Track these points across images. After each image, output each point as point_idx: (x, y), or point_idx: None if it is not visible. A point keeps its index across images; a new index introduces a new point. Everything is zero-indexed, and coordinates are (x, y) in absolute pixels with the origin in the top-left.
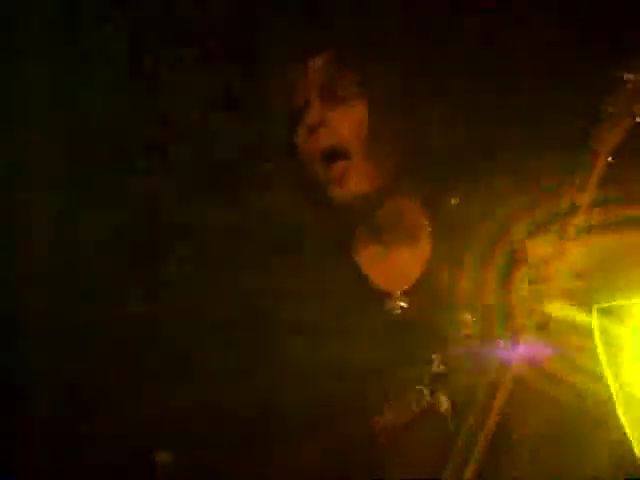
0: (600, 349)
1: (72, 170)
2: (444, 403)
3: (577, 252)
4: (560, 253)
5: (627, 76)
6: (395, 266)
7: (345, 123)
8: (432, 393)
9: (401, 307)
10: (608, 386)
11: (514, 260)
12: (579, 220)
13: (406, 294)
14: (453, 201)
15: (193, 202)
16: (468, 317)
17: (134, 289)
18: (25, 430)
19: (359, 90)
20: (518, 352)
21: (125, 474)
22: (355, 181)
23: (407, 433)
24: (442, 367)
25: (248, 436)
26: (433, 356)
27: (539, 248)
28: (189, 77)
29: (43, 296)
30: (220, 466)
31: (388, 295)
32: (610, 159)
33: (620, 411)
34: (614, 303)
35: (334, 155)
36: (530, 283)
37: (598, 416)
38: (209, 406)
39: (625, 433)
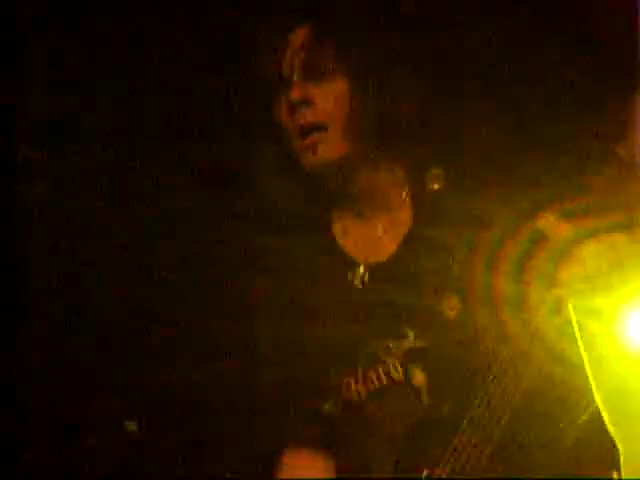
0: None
1: None
2: (418, 376)
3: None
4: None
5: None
6: (369, 238)
7: (327, 100)
8: (404, 366)
9: (363, 281)
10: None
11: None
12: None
13: (379, 268)
14: (436, 186)
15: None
16: (452, 299)
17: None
18: None
19: (339, 66)
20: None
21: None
22: (326, 148)
23: (374, 404)
24: (419, 342)
25: (222, 410)
26: (409, 331)
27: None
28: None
29: None
30: (193, 439)
31: (357, 267)
32: None
33: (602, 407)
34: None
35: (313, 129)
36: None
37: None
38: (181, 381)
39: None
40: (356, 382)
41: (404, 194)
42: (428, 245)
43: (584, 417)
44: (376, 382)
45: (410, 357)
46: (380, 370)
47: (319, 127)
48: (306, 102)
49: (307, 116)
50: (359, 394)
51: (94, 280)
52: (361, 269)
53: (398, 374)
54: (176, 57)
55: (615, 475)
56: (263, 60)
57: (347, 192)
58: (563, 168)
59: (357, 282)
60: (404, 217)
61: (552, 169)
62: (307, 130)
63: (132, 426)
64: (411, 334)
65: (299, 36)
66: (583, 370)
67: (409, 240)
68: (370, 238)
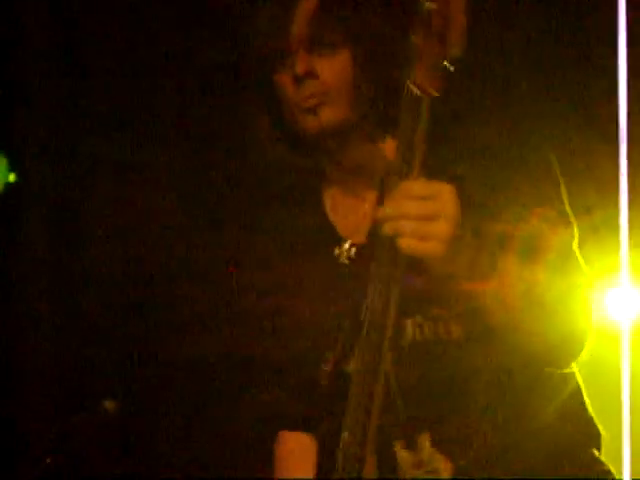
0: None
1: None
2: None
3: None
4: None
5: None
6: (358, 214)
7: (331, 72)
8: None
9: (349, 258)
10: None
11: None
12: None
13: (366, 246)
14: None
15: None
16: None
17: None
18: None
19: (342, 37)
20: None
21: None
22: (328, 111)
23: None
24: None
25: (210, 384)
26: None
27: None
28: None
29: None
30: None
31: (344, 242)
32: None
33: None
34: None
35: (315, 97)
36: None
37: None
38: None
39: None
40: (336, 356)
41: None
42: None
43: (564, 394)
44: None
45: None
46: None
47: (322, 96)
48: (311, 75)
49: (311, 88)
50: (336, 369)
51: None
52: (347, 245)
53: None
54: (175, 23)
55: (596, 453)
56: (266, 30)
57: (340, 163)
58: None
59: (343, 258)
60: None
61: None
62: (305, 106)
63: (110, 404)
64: None
65: (305, 7)
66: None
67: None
68: (359, 214)
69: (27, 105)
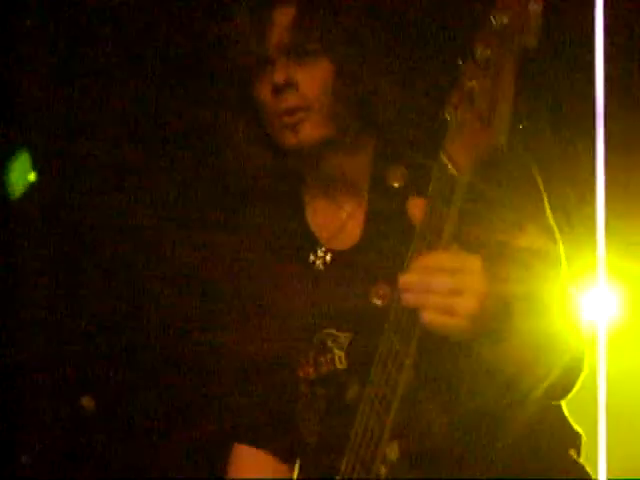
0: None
1: None
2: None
3: None
4: None
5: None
6: (335, 221)
7: (311, 83)
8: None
9: (324, 264)
10: None
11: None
12: None
13: (341, 253)
14: (396, 184)
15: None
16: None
17: None
18: None
19: (322, 48)
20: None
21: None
22: (308, 129)
23: (321, 388)
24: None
25: (179, 384)
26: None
27: None
28: None
29: None
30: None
31: (320, 248)
32: None
33: None
34: None
35: (296, 110)
36: None
37: None
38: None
39: None
40: (307, 363)
41: (365, 185)
42: (381, 239)
43: (539, 391)
44: (326, 367)
45: (352, 351)
46: (328, 357)
47: (302, 109)
48: (290, 85)
49: (290, 99)
50: (309, 375)
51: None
52: (322, 251)
53: (342, 365)
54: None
55: (574, 454)
56: (245, 36)
57: (318, 173)
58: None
59: (319, 264)
60: (364, 207)
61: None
62: (290, 112)
63: (87, 401)
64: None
65: (284, 15)
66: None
67: (365, 231)
68: (337, 221)
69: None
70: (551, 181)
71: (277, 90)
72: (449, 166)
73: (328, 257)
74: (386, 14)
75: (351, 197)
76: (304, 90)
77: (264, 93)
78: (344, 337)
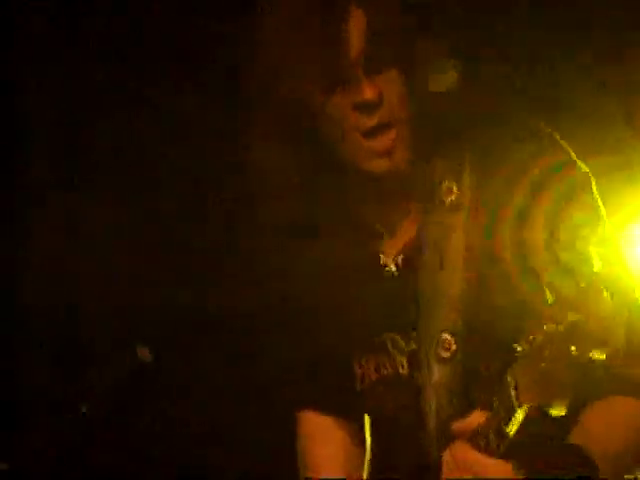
0: None
1: None
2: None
3: None
4: None
5: None
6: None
7: (392, 97)
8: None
9: (396, 265)
10: None
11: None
12: None
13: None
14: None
15: None
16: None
17: None
18: None
19: (394, 60)
20: None
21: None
22: (401, 154)
23: (381, 391)
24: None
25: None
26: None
27: None
28: None
29: None
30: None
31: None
32: None
33: None
34: None
35: (381, 128)
36: None
37: None
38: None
39: None
40: (368, 364)
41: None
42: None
43: None
44: (388, 369)
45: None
46: (391, 360)
47: (387, 126)
48: (380, 101)
49: (381, 115)
50: (369, 377)
51: None
52: (393, 254)
53: (404, 370)
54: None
55: None
56: (319, 54)
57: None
58: None
59: (391, 267)
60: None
61: None
62: (376, 130)
63: (144, 352)
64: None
65: (358, 23)
66: None
67: (407, 252)
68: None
69: None
70: None
71: (368, 107)
72: (514, 398)
73: (400, 258)
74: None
75: (402, 213)
76: (388, 103)
77: (342, 113)
78: (406, 344)
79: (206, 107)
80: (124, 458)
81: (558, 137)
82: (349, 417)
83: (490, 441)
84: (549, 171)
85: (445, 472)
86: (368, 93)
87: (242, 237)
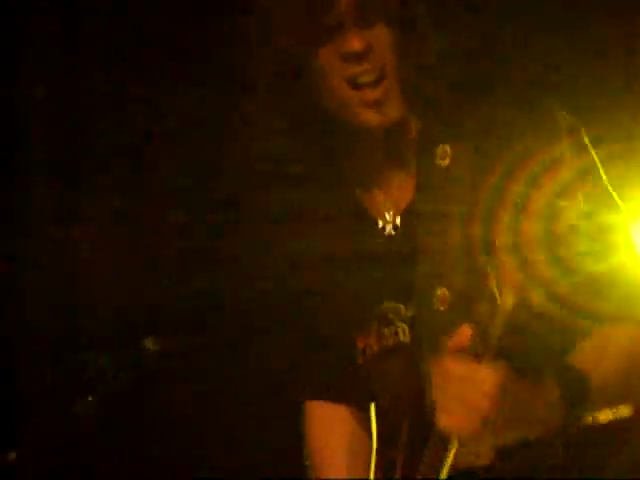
0: None
1: None
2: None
3: None
4: None
5: None
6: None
7: (382, 49)
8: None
9: (394, 227)
10: None
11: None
12: None
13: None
14: (442, 163)
15: None
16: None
17: None
18: None
19: (385, 13)
20: None
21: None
22: (392, 106)
23: (384, 361)
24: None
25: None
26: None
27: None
28: None
29: None
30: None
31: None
32: None
33: None
34: None
35: (374, 81)
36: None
37: None
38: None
39: None
40: (370, 336)
41: (413, 162)
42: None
43: None
44: (389, 338)
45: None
46: (392, 329)
47: (379, 79)
48: (368, 51)
49: (368, 65)
50: (372, 347)
51: None
52: (389, 215)
53: (406, 338)
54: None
55: None
56: (311, 4)
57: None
58: None
59: (389, 229)
60: (409, 188)
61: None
62: (364, 81)
63: (150, 344)
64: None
65: None
66: None
67: (407, 213)
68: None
69: None
70: None
71: (355, 57)
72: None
73: (397, 219)
74: None
75: (398, 173)
76: (378, 55)
77: (331, 64)
78: (406, 310)
79: (206, 105)
80: (124, 458)
81: (560, 109)
82: (355, 404)
83: (478, 350)
84: (549, 146)
85: (435, 388)
86: (355, 43)
87: (241, 223)
